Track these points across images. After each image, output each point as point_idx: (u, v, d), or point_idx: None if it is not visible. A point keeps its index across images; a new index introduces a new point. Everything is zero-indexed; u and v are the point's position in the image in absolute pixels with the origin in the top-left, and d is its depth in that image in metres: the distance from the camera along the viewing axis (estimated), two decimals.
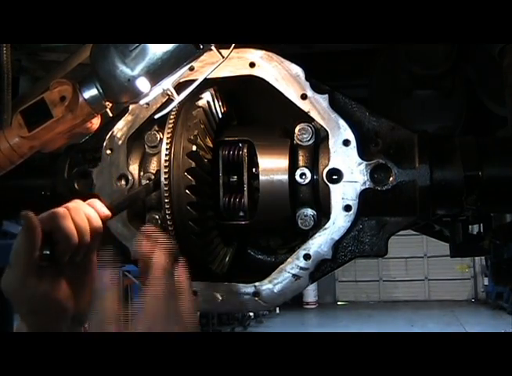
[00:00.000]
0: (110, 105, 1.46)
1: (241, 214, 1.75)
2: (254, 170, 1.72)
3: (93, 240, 1.23)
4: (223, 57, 1.44)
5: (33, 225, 1.13)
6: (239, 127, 1.89)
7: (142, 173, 1.80)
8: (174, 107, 1.65)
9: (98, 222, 1.25)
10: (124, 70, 1.35)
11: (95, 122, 1.52)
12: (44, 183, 1.96)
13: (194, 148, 1.62)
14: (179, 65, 1.37)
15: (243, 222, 1.75)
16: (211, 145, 1.71)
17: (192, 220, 1.63)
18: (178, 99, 1.46)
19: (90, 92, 1.42)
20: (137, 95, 1.39)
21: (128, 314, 1.17)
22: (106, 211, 1.29)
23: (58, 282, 1.20)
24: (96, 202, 1.28)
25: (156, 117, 1.60)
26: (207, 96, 1.73)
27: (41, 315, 1.20)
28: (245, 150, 1.72)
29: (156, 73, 1.36)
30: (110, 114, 1.53)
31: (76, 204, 1.23)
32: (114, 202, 1.40)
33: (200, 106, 1.69)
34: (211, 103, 1.74)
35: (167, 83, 1.41)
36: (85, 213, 1.23)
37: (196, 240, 1.67)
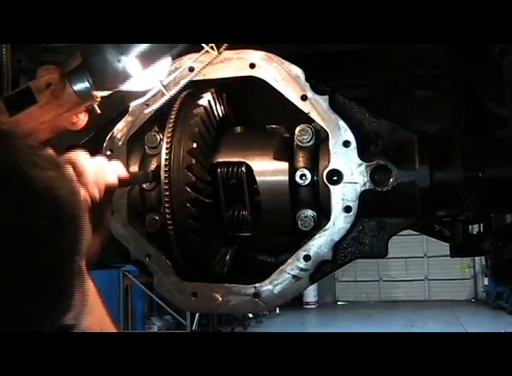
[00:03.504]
0: (98, 98, 1.41)
1: (245, 226, 1.77)
2: (254, 185, 1.72)
3: (106, 198, 1.23)
4: (219, 53, 1.44)
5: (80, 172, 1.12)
6: (234, 140, 1.83)
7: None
8: (174, 107, 1.65)
9: (115, 184, 1.26)
10: (113, 51, 1.32)
11: (82, 118, 1.47)
12: None
13: (193, 161, 1.64)
14: (171, 48, 1.35)
15: (248, 234, 1.78)
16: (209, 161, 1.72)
17: (194, 231, 1.66)
18: (169, 94, 1.45)
19: (78, 80, 1.38)
20: (127, 77, 1.35)
21: None
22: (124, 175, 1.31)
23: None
24: (119, 166, 1.30)
25: (147, 111, 1.59)
26: (206, 99, 1.73)
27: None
28: (243, 169, 1.71)
29: (147, 55, 1.33)
30: (98, 111, 1.49)
31: (101, 163, 1.22)
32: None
33: (199, 112, 1.69)
34: (211, 106, 1.74)
35: (165, 80, 1.41)
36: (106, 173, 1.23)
37: (196, 243, 1.67)
